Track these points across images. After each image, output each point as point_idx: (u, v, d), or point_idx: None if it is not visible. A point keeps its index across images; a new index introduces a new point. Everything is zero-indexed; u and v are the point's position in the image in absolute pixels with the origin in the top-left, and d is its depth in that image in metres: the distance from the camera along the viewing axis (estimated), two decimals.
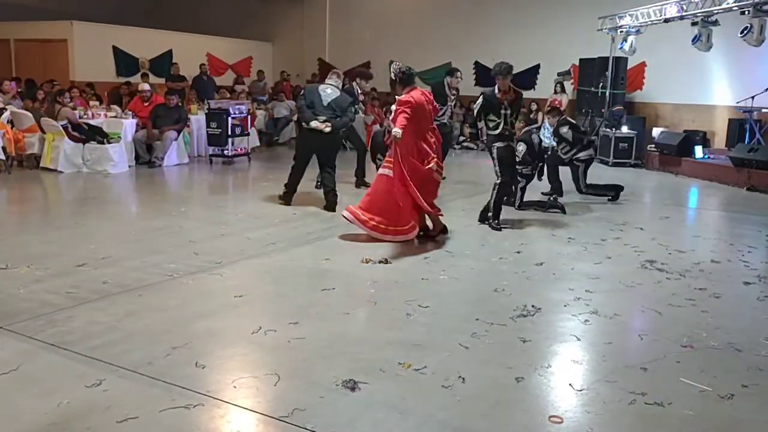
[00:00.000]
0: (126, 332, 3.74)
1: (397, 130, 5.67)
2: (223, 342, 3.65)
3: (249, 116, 11.63)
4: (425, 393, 3.12)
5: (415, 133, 5.93)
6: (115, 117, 10.59)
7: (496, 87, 6.61)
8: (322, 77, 16.87)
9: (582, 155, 8.35)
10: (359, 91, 8.74)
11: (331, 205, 7.30)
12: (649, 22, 11.55)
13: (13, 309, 4.04)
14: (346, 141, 9.63)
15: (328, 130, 7.14)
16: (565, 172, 8.57)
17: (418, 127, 5.97)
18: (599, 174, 10.11)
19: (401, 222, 5.98)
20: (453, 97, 9.33)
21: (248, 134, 11.44)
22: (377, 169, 7.10)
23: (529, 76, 15.16)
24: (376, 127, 11.81)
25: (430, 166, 6.00)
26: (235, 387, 3.10)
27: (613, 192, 8.58)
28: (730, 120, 12.40)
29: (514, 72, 6.64)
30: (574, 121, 8.56)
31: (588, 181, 8.52)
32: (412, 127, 5.87)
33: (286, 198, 7.54)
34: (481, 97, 6.71)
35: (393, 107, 6.34)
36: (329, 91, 7.38)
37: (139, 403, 2.92)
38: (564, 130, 8.30)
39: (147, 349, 3.49)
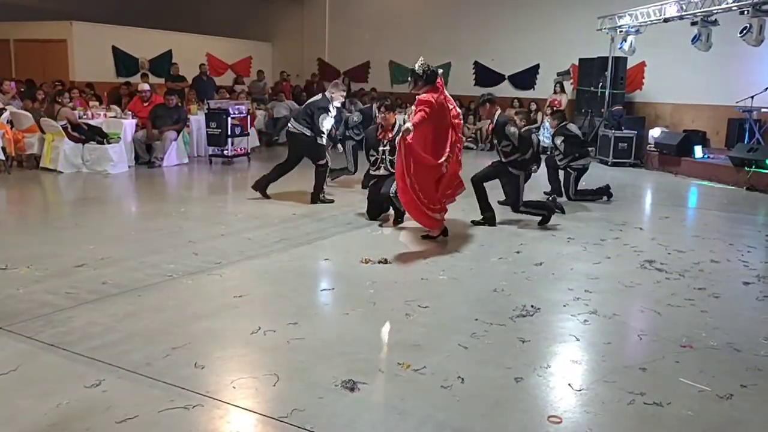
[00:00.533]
0: (125, 333, 3.74)
1: (408, 125, 5.63)
2: (223, 342, 3.66)
3: (249, 116, 11.64)
4: (424, 393, 3.12)
5: (434, 131, 5.95)
6: (115, 117, 10.60)
7: None
8: (322, 77, 17.01)
9: (576, 164, 8.37)
10: (377, 114, 8.89)
11: (312, 198, 7.75)
12: (649, 22, 11.56)
13: (12, 309, 4.04)
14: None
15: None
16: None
17: (441, 125, 6.01)
18: (599, 174, 10.13)
19: (434, 201, 6.03)
20: None
21: (248, 134, 11.45)
22: (370, 165, 7.18)
23: (529, 76, 15.18)
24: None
25: (441, 160, 5.98)
26: (234, 387, 3.11)
27: (603, 195, 8.56)
28: (729, 120, 12.40)
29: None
30: (572, 133, 8.45)
31: (578, 188, 8.53)
32: (431, 126, 5.89)
33: (257, 184, 7.89)
34: None
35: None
36: (315, 97, 8.04)
37: (138, 403, 2.92)
38: (558, 141, 8.36)
39: (146, 350, 3.49)
